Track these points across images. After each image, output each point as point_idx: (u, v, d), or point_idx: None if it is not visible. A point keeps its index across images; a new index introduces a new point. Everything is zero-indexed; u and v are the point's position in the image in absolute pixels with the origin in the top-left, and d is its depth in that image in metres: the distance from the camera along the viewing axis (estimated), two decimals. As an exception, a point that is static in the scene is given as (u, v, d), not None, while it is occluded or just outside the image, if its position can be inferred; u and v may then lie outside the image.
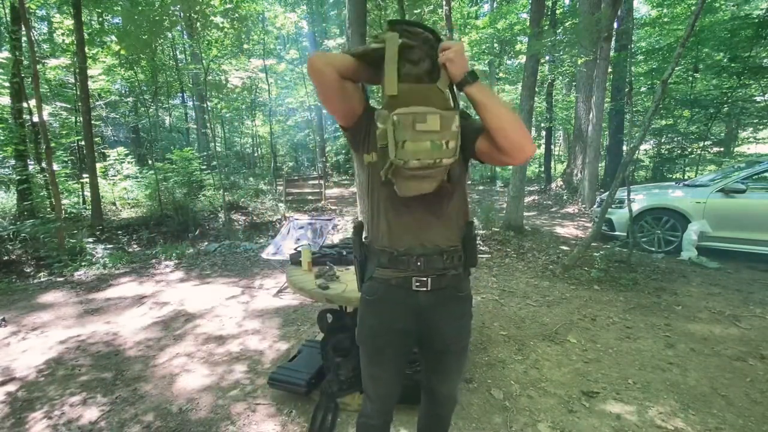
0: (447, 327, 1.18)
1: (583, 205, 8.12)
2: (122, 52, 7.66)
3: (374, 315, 1.18)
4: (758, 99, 9.64)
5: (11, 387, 2.39)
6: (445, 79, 1.04)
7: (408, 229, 1.12)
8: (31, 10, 8.06)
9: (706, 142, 10.46)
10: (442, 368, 1.25)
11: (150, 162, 9.33)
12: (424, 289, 1.12)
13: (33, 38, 5.58)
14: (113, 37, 7.88)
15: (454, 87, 1.06)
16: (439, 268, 1.12)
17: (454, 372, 1.26)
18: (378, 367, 1.23)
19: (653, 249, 4.97)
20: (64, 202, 7.06)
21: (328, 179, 12.39)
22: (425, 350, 1.26)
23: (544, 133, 13.41)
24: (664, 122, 10.29)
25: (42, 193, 6.91)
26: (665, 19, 11.20)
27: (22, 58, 6.23)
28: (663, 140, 10.70)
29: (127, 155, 9.45)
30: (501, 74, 14.44)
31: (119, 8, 6.91)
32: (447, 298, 1.16)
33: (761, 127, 10.84)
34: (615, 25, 8.65)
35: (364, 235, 1.26)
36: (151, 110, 10.18)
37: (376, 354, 1.21)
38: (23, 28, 5.84)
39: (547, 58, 10.85)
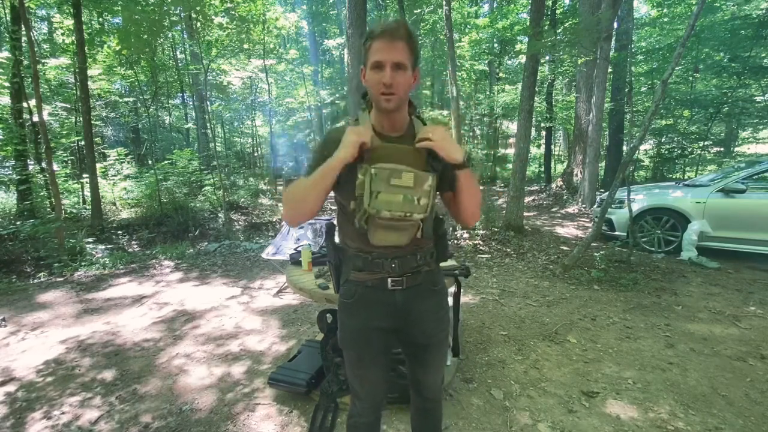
0: (425, 321, 1.23)
1: (583, 205, 8.12)
2: (123, 52, 7.67)
3: (354, 317, 1.21)
4: (758, 99, 9.65)
5: (11, 387, 2.39)
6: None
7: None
8: (31, 10, 8.07)
9: (706, 142, 10.48)
10: (425, 360, 1.29)
11: (150, 162, 9.33)
12: (400, 287, 1.17)
13: (33, 38, 5.58)
14: (113, 37, 7.87)
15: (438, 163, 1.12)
16: (412, 266, 1.17)
17: (436, 363, 1.31)
18: (363, 368, 1.25)
19: (653, 249, 4.97)
20: (64, 202, 7.06)
21: (328, 179, 12.35)
22: (407, 345, 1.29)
23: (544, 133, 13.40)
24: (664, 122, 10.30)
25: (42, 193, 6.91)
26: (665, 19, 11.20)
27: (22, 58, 6.23)
28: (663, 140, 10.71)
29: (126, 155, 9.45)
30: (501, 74, 14.43)
31: (119, 8, 6.91)
32: (422, 294, 1.21)
33: (761, 127, 10.86)
34: (615, 25, 8.65)
35: (336, 237, 1.29)
36: (151, 110, 10.17)
37: (360, 355, 1.24)
38: (23, 28, 5.84)
39: (547, 58, 10.85)
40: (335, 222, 1.31)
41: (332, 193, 1.19)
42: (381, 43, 1.03)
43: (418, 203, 1.04)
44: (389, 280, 1.16)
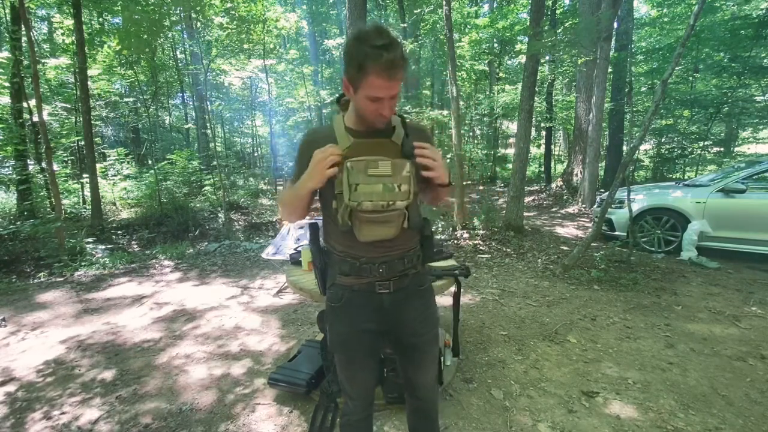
0: (413, 321, 1.23)
1: (583, 205, 8.12)
2: (123, 53, 7.67)
3: (342, 320, 1.21)
4: (758, 99, 9.65)
5: (11, 387, 2.39)
6: (400, 134, 1.13)
7: (369, 241, 1.12)
8: (31, 10, 8.06)
9: (706, 142, 10.48)
10: (416, 360, 1.29)
11: (150, 162, 9.34)
12: (387, 291, 1.17)
13: (33, 38, 5.57)
14: (113, 37, 7.87)
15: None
16: (400, 270, 1.17)
17: (427, 362, 1.30)
18: (354, 370, 1.26)
19: (653, 249, 4.97)
20: (64, 202, 7.06)
21: (328, 179, 12.32)
22: (397, 345, 1.29)
23: (544, 133, 13.40)
24: (664, 122, 10.30)
25: (42, 193, 6.92)
26: (665, 19, 11.20)
27: (22, 58, 6.23)
28: (663, 140, 10.71)
29: (126, 155, 9.45)
30: (501, 74, 14.42)
31: (119, 8, 6.91)
32: (409, 295, 1.21)
33: (761, 127, 10.86)
34: (615, 25, 8.64)
35: (321, 239, 1.27)
36: (151, 110, 10.17)
37: (350, 357, 1.25)
38: (23, 28, 5.84)
39: (547, 58, 10.86)
40: (319, 223, 1.28)
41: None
42: (381, 81, 0.97)
43: (399, 190, 1.03)
44: (377, 284, 1.16)
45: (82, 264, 4.97)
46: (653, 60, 10.49)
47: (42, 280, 4.62)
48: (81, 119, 7.26)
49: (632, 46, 10.22)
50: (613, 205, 5.08)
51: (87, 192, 7.67)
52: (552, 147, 13.49)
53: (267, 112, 13.31)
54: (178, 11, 7.31)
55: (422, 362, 1.29)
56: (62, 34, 9.26)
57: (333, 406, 1.97)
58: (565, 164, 11.71)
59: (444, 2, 5.93)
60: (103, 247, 5.93)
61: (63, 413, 2.12)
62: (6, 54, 6.14)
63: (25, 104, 6.36)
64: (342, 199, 1.03)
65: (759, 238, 4.38)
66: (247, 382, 2.36)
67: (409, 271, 1.19)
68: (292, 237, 4.43)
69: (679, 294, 3.60)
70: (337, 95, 1.20)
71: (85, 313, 3.55)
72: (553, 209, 8.74)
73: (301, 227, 4.52)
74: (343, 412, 1.35)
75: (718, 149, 11.89)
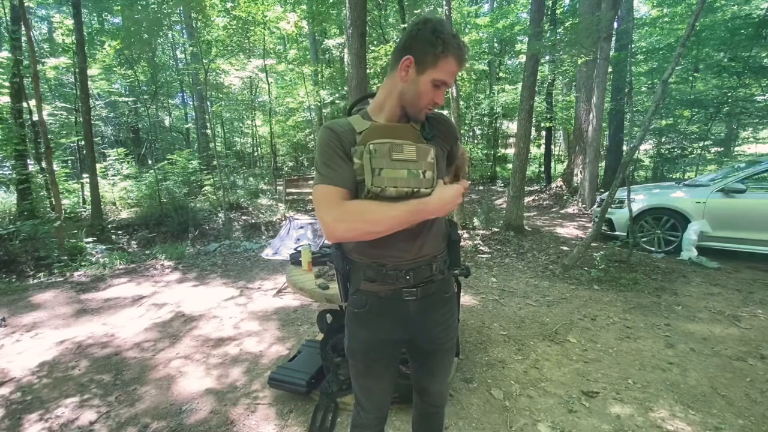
0: (436, 329, 1.19)
1: (583, 205, 8.11)
2: (124, 52, 7.67)
3: (365, 328, 1.16)
4: (758, 99, 9.64)
5: (8, 389, 2.39)
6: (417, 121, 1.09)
7: (397, 243, 1.06)
8: (31, 10, 8.06)
9: (706, 142, 10.46)
10: (434, 368, 1.25)
11: (150, 162, 9.34)
12: (413, 298, 1.12)
13: (33, 38, 5.57)
14: (113, 37, 7.86)
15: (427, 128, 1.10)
16: (427, 276, 1.12)
17: (443, 371, 1.27)
18: (371, 379, 1.21)
19: (653, 249, 4.96)
20: (64, 202, 7.06)
21: (328, 179, 12.27)
22: (415, 352, 1.25)
23: (544, 133, 13.40)
24: (664, 122, 10.29)
25: (42, 193, 6.92)
26: (665, 19, 11.21)
27: (22, 57, 6.23)
28: (663, 140, 10.70)
29: (126, 155, 9.46)
30: (501, 74, 14.42)
31: (119, 8, 6.90)
32: (434, 302, 1.17)
33: (761, 127, 10.85)
34: (615, 25, 8.64)
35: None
36: (151, 110, 10.17)
37: (369, 367, 1.19)
38: (23, 28, 5.84)
39: (547, 58, 10.85)
40: None
41: None
42: (454, 65, 0.99)
43: (423, 177, 0.97)
44: (403, 291, 1.11)
45: (82, 264, 4.97)
46: (653, 60, 10.49)
47: (41, 280, 4.62)
48: (81, 119, 7.26)
49: (632, 46, 10.21)
50: (613, 205, 5.08)
51: (87, 192, 7.68)
52: (552, 147, 13.47)
53: (267, 112, 13.30)
54: (178, 11, 7.30)
55: (437, 370, 1.25)
56: (62, 34, 9.27)
57: (333, 406, 1.97)
58: (565, 164, 11.70)
59: (444, 2, 5.93)
60: (103, 247, 5.93)
61: (61, 414, 2.11)
62: (6, 54, 6.14)
63: (25, 104, 6.36)
64: (362, 186, 0.96)
65: (759, 238, 4.38)
66: (246, 382, 2.36)
67: (436, 278, 1.15)
68: (291, 237, 4.43)
69: (679, 294, 3.59)
70: (349, 105, 1.16)
71: (84, 313, 3.55)
72: (553, 209, 8.74)
73: (302, 227, 4.52)
74: (354, 422, 1.29)
75: (718, 149, 11.87)
